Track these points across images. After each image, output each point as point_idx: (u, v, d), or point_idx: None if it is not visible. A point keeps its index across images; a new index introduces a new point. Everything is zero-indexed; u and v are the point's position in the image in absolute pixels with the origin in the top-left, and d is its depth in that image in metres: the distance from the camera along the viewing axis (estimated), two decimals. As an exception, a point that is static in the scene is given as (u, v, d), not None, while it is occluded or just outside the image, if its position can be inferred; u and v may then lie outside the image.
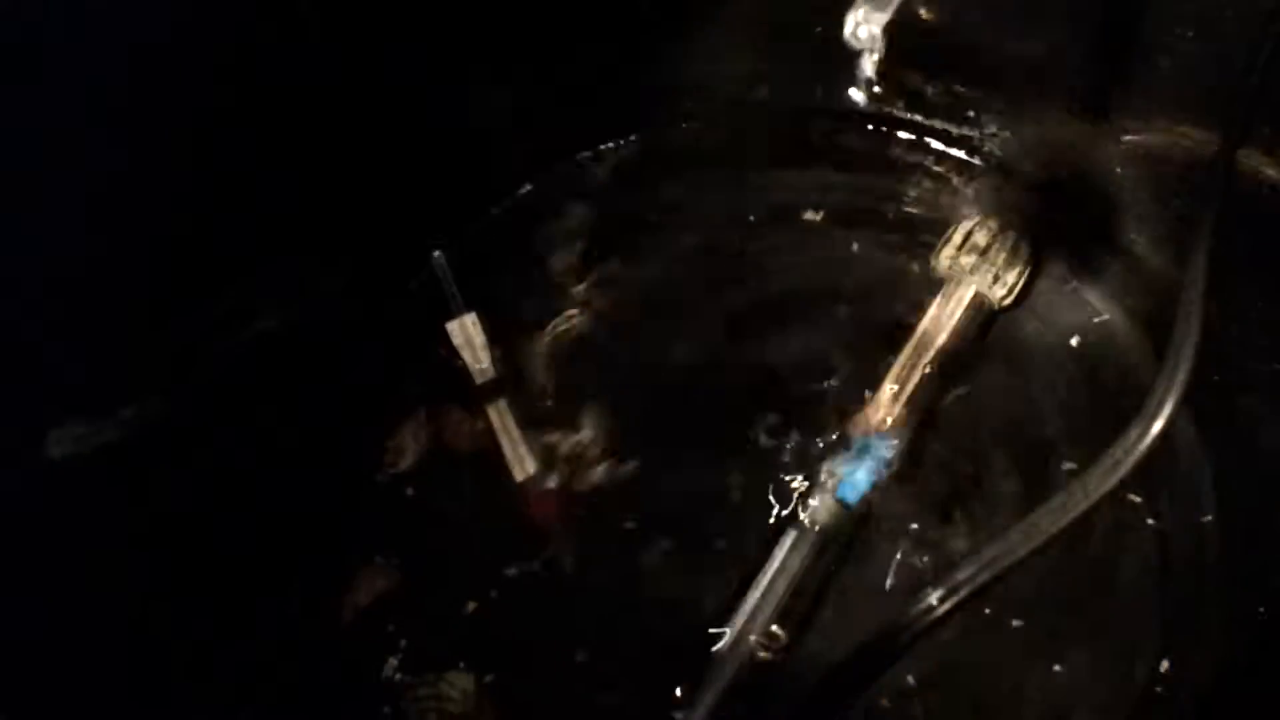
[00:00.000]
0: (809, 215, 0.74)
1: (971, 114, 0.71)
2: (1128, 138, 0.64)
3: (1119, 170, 0.66)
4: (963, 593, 0.55)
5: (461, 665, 0.62)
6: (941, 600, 0.54)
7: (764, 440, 0.67)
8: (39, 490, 0.52)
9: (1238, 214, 0.51)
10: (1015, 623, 0.62)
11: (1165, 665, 0.60)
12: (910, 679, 0.61)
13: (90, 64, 0.51)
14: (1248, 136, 0.49)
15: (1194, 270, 0.48)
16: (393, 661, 0.64)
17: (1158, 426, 0.48)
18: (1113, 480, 0.50)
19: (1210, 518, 0.63)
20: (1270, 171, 0.53)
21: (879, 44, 0.58)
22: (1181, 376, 0.48)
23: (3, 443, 0.50)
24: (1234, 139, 0.49)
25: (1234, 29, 0.49)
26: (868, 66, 0.60)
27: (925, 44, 0.67)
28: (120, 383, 0.56)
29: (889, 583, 0.63)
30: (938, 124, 0.73)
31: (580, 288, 0.73)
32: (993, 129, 0.71)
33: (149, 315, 0.57)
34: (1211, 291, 0.48)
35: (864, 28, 0.57)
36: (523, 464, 0.66)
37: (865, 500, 0.63)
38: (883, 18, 0.57)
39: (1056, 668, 0.60)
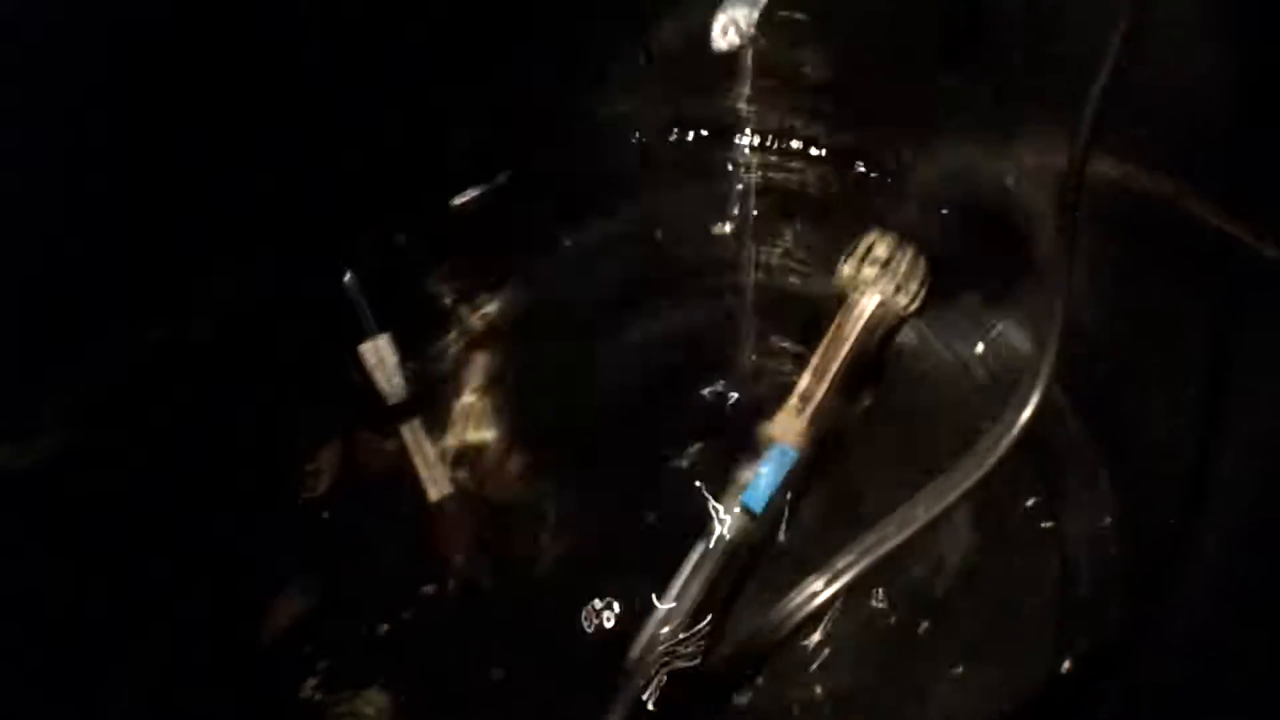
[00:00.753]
0: (717, 229, 0.75)
1: (868, 134, 0.73)
2: (1025, 159, 0.66)
3: (1014, 186, 0.68)
4: (845, 578, 0.57)
5: (378, 685, 0.63)
6: (826, 585, 0.56)
7: (674, 452, 0.68)
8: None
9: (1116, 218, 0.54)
10: (923, 626, 0.63)
11: (1066, 665, 0.61)
12: (818, 689, 0.62)
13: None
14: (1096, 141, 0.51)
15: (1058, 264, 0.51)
16: (311, 682, 0.64)
17: (1025, 415, 0.51)
18: (984, 468, 0.52)
19: (1109, 520, 0.64)
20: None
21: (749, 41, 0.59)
22: (1046, 366, 0.50)
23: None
24: (1083, 144, 0.51)
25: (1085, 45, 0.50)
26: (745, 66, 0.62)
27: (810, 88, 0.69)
28: (30, 407, 0.56)
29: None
30: (832, 141, 0.75)
31: (490, 306, 0.74)
32: (891, 149, 0.73)
33: (56, 335, 0.57)
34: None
35: (731, 30, 0.59)
36: (437, 484, 0.67)
37: (774, 509, 0.64)
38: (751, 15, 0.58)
39: (958, 670, 0.62)
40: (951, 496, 0.57)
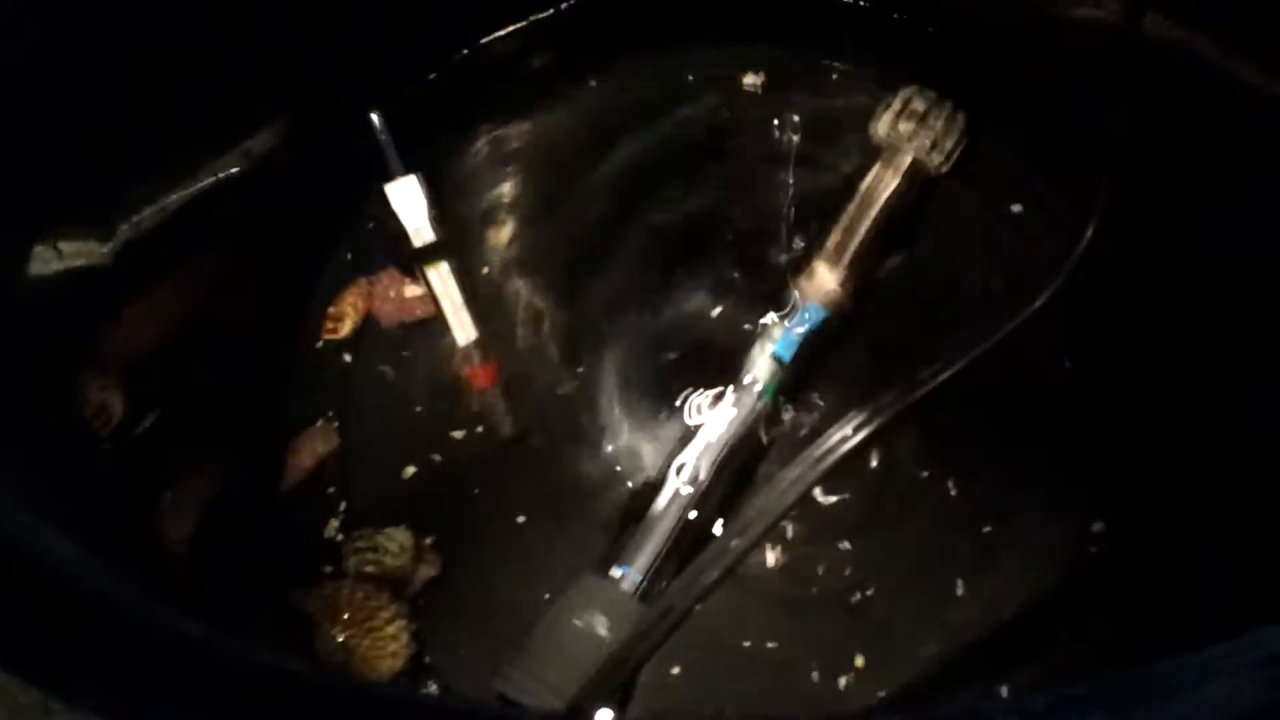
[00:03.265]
0: (749, 80, 0.74)
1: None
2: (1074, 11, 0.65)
3: (1061, 40, 0.67)
4: (878, 421, 0.57)
5: (402, 525, 0.63)
6: (856, 430, 0.56)
7: (703, 299, 0.68)
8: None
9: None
10: (950, 484, 0.63)
11: (1099, 526, 0.62)
12: (843, 545, 0.63)
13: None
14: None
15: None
16: (334, 523, 0.64)
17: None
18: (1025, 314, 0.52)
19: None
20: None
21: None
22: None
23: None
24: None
25: None
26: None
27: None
28: (71, 219, 0.55)
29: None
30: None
31: (519, 147, 0.73)
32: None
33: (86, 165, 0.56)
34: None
35: None
36: (464, 328, 0.66)
37: (800, 362, 0.64)
38: None
39: (986, 529, 0.62)
40: (985, 345, 0.56)
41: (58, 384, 0.53)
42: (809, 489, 0.56)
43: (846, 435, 0.57)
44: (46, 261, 0.51)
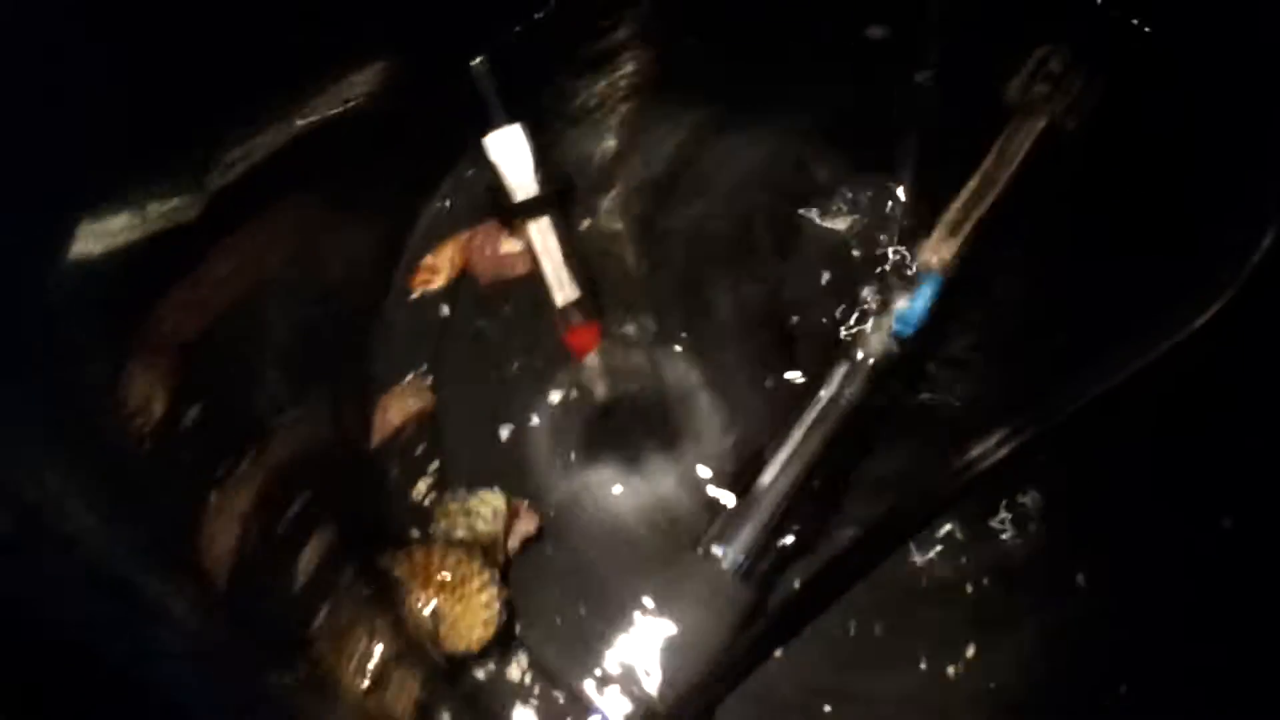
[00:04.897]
0: (873, 32, 0.70)
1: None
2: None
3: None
4: (1026, 434, 0.53)
5: (495, 487, 0.60)
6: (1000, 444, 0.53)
7: (818, 264, 0.65)
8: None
9: None
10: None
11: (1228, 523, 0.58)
12: (957, 529, 0.60)
13: None
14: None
15: None
16: (423, 484, 0.62)
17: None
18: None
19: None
20: None
21: None
22: None
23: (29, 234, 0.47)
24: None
25: None
26: None
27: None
28: (157, 171, 0.53)
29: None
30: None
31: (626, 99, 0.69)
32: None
33: (183, 108, 0.54)
34: None
35: None
36: (563, 287, 0.63)
37: (919, 336, 0.61)
38: None
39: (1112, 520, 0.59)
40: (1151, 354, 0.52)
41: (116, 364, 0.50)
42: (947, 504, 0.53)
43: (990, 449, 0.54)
44: (129, 228, 0.48)
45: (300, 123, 0.60)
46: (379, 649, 0.55)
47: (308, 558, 0.55)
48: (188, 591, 0.45)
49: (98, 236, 0.48)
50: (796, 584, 0.57)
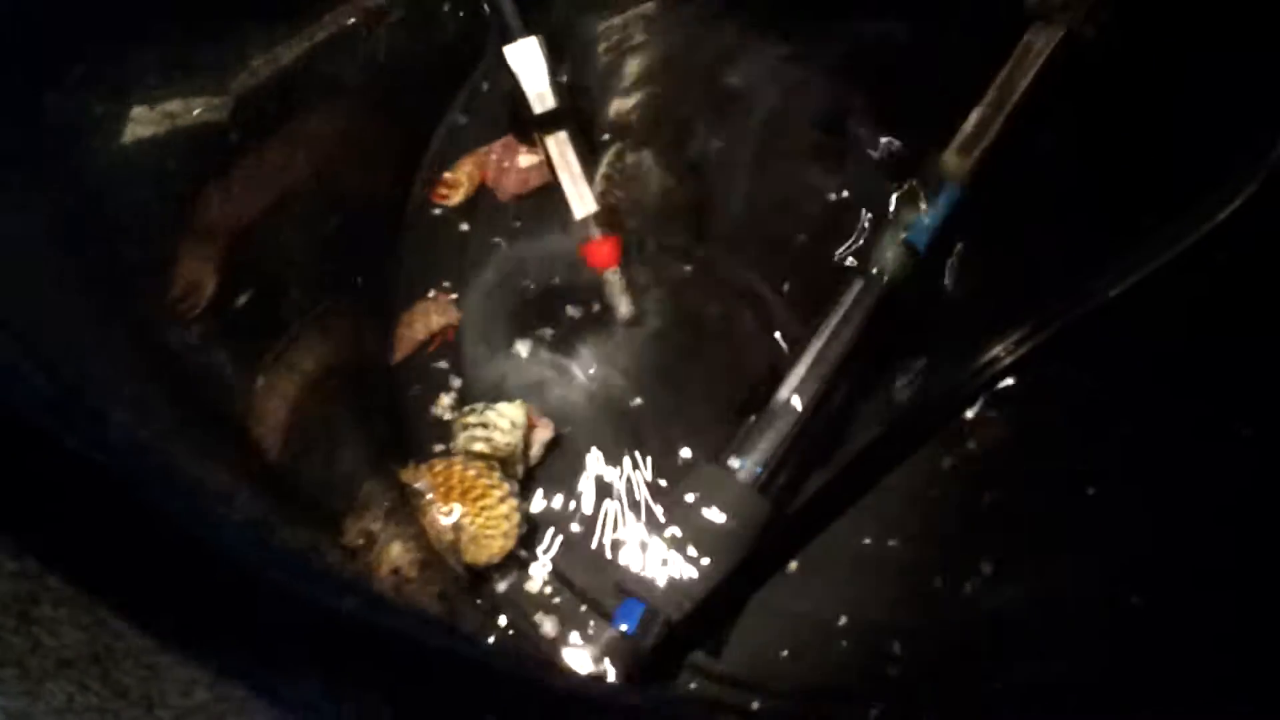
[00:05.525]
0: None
1: None
2: None
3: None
4: (1025, 348, 0.53)
5: (514, 401, 0.61)
6: (1014, 348, 0.52)
7: (831, 175, 0.64)
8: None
9: None
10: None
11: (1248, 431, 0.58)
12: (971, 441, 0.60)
13: None
14: None
15: None
16: (445, 399, 0.63)
17: None
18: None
19: None
20: None
21: None
22: None
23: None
24: None
25: None
26: None
27: None
28: (190, 68, 0.52)
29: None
30: None
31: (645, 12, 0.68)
32: None
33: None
34: None
35: None
36: (582, 200, 0.63)
37: (934, 246, 0.60)
38: None
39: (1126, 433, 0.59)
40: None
41: (158, 254, 0.50)
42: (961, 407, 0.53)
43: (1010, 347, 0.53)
44: (152, 122, 0.48)
45: (320, 33, 0.59)
46: (402, 560, 0.55)
47: (337, 464, 0.56)
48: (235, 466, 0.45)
49: (147, 122, 0.48)
50: (813, 493, 0.58)
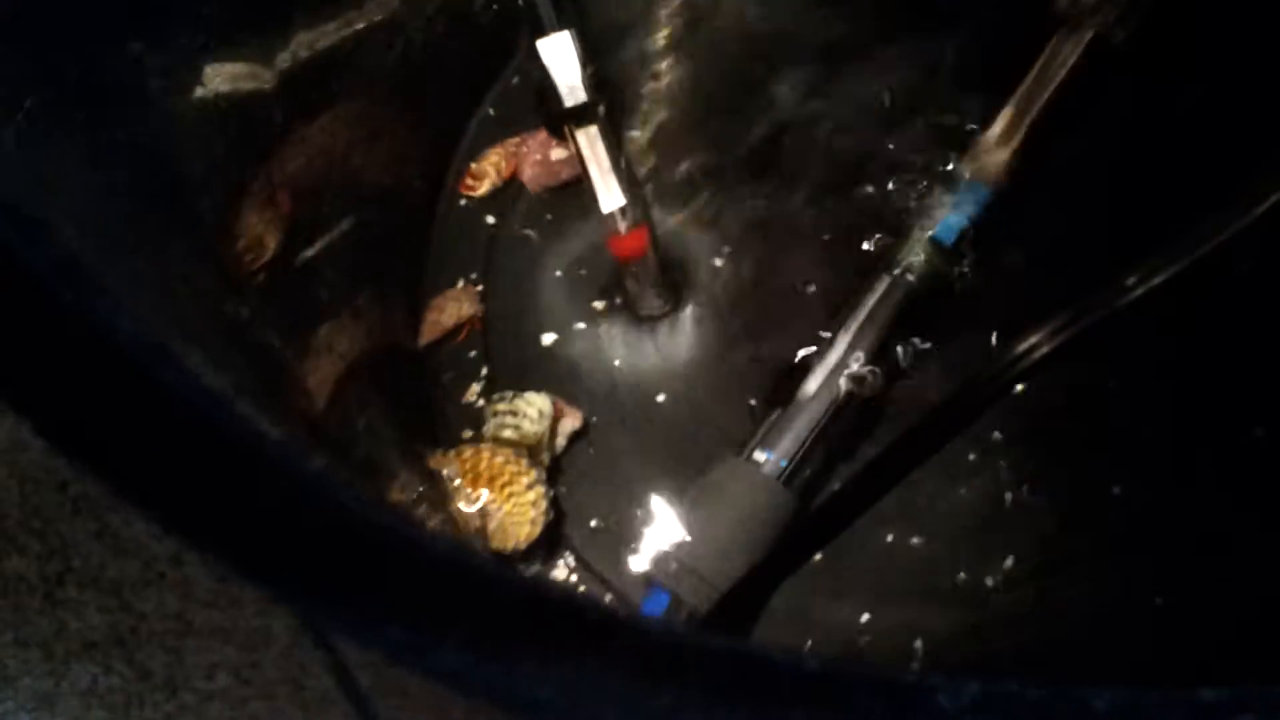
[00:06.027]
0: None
1: None
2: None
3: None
4: (1067, 333, 0.53)
5: (542, 390, 0.61)
6: (1050, 337, 0.52)
7: (865, 172, 0.64)
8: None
9: None
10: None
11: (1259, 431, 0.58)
12: (997, 434, 0.60)
13: None
14: None
15: None
16: (474, 388, 0.63)
17: None
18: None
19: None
20: None
21: None
22: None
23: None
24: None
25: None
26: None
27: None
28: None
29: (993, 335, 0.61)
30: None
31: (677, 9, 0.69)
32: None
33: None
34: None
35: None
36: (610, 193, 0.63)
37: (962, 245, 0.61)
38: None
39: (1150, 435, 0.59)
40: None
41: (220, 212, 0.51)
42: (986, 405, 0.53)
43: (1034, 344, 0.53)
44: (214, 81, 0.49)
45: (358, 21, 0.59)
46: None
47: (370, 448, 0.56)
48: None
49: (216, 80, 0.49)
50: (838, 488, 0.58)
